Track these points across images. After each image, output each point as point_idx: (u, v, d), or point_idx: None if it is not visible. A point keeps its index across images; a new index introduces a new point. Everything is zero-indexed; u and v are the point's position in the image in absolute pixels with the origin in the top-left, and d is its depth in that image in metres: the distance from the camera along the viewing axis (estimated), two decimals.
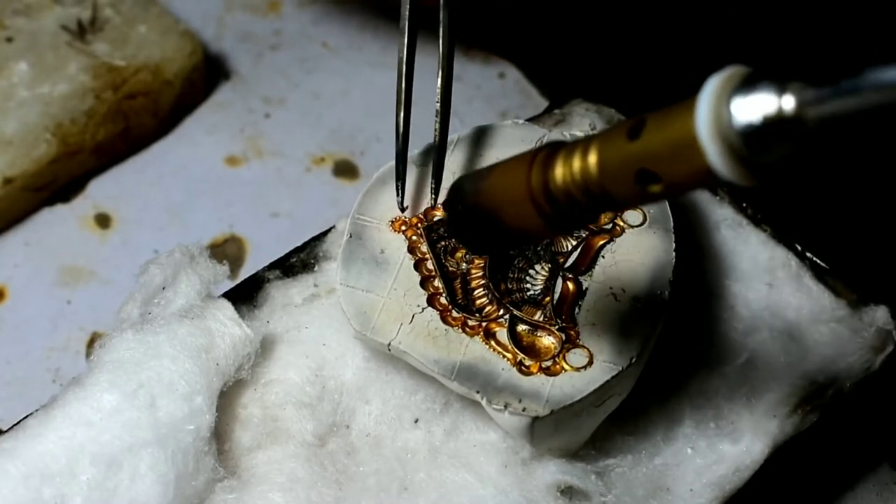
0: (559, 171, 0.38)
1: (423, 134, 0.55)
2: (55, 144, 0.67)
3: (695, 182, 0.35)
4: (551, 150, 0.39)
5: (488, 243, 0.44)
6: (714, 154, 0.33)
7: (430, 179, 0.54)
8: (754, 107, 0.33)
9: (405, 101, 0.53)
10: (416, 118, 0.54)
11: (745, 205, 0.58)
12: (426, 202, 0.53)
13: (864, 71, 0.31)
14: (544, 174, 0.39)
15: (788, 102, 0.32)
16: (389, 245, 0.52)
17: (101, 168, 0.71)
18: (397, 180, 0.53)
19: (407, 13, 0.52)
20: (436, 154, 0.53)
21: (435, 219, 0.53)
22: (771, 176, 0.34)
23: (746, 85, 0.33)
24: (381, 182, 0.54)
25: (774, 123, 0.33)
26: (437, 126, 0.53)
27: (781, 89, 0.33)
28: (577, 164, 0.38)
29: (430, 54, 0.55)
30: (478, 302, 0.51)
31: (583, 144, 0.38)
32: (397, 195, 0.53)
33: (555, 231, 0.41)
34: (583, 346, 0.49)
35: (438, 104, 0.53)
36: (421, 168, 0.54)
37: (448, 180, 0.53)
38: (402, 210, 0.53)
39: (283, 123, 0.74)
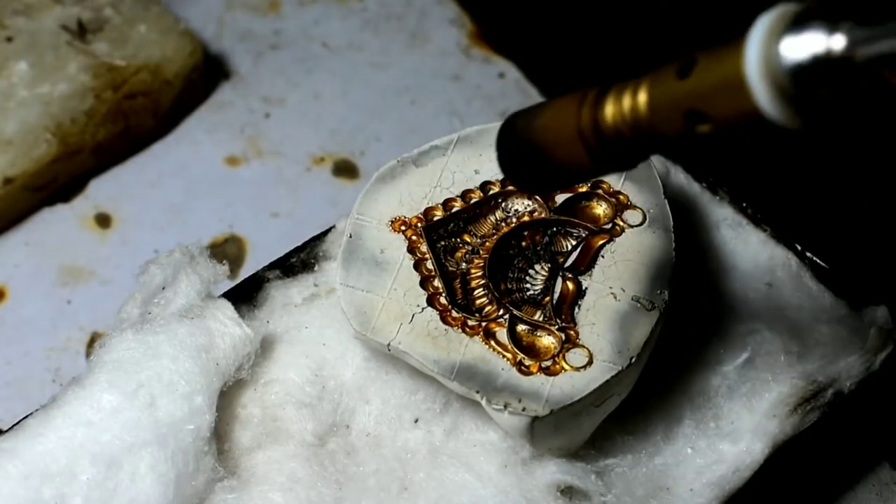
0: (609, 110, 0.38)
1: (424, 134, 0.55)
2: (55, 144, 0.67)
3: (743, 122, 0.35)
4: (602, 89, 0.39)
5: (538, 180, 0.44)
6: (762, 94, 0.33)
7: (427, 180, 0.53)
8: (804, 46, 0.32)
9: None
10: (416, 118, 0.54)
11: (745, 204, 0.58)
12: (426, 202, 0.53)
13: None
14: (594, 112, 0.39)
15: (838, 42, 0.32)
16: (389, 245, 0.52)
17: (101, 168, 0.71)
18: None
19: None
20: None
21: (435, 219, 0.53)
22: (818, 117, 0.34)
23: (796, 24, 0.33)
24: (380, 182, 0.54)
25: (823, 63, 0.32)
26: None
27: (832, 28, 0.32)
28: (627, 102, 0.38)
29: (431, 53, 0.55)
30: (477, 302, 0.51)
31: (633, 83, 0.38)
32: None
33: (602, 170, 0.41)
34: (582, 346, 0.49)
35: None
36: (421, 168, 0.54)
37: (449, 181, 0.54)
38: None
39: (283, 123, 0.74)
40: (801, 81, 0.33)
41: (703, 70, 0.35)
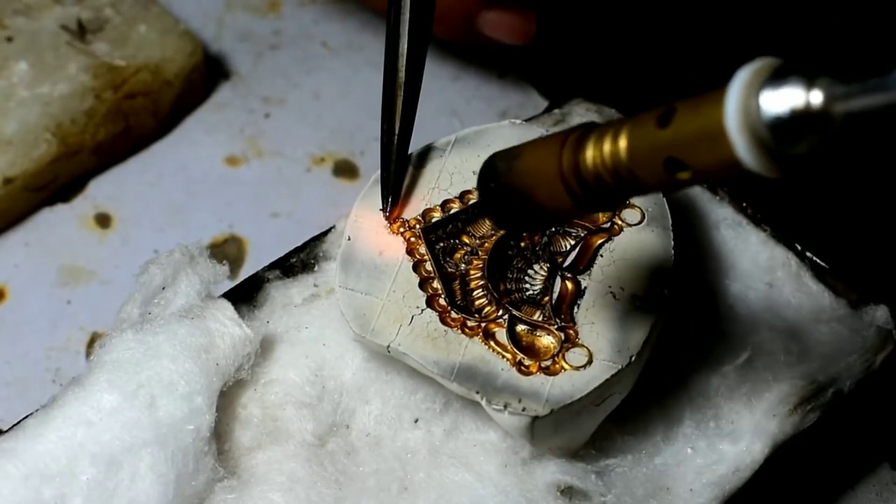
0: (590, 154, 0.39)
1: (423, 134, 0.55)
2: (55, 144, 0.67)
3: (723, 171, 0.35)
4: (583, 132, 0.39)
5: (520, 222, 0.45)
6: (742, 145, 0.34)
7: (425, 182, 0.53)
8: (783, 100, 0.33)
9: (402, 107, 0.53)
10: (416, 118, 0.54)
11: (744, 204, 0.58)
12: (424, 203, 0.53)
13: (893, 69, 0.32)
14: (575, 155, 0.39)
15: (816, 97, 0.33)
16: (388, 247, 0.52)
17: (101, 168, 0.71)
18: (384, 190, 0.53)
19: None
20: (393, 166, 0.53)
21: (433, 220, 0.53)
22: (797, 168, 0.34)
23: (776, 78, 0.34)
24: (380, 183, 0.54)
25: (802, 117, 0.33)
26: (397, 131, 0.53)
27: (810, 83, 0.33)
28: (607, 147, 0.38)
29: (431, 53, 0.55)
30: (477, 302, 0.51)
31: (614, 128, 0.38)
32: (384, 206, 0.53)
33: (585, 211, 0.41)
34: (582, 346, 0.49)
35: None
36: (419, 169, 0.54)
37: (447, 182, 0.54)
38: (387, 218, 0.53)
39: (283, 123, 0.74)
40: (779, 134, 0.33)
41: (682, 120, 0.36)
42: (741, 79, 0.34)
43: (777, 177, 0.34)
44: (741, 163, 0.34)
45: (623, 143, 0.38)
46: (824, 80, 0.33)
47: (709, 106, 0.35)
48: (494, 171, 0.43)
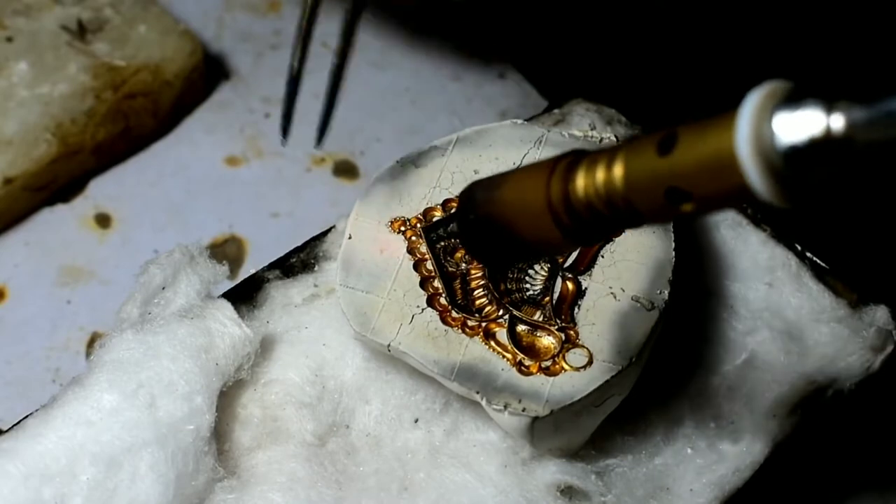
0: (581, 183, 0.36)
1: (424, 134, 0.55)
2: (55, 144, 0.67)
3: (729, 201, 0.34)
4: (573, 160, 0.37)
5: (502, 255, 0.42)
6: (754, 174, 0.32)
7: (426, 181, 0.53)
8: (800, 126, 0.31)
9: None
10: (416, 118, 0.54)
11: (744, 204, 0.58)
12: (425, 202, 0.53)
13: None
14: (565, 185, 0.37)
15: (837, 122, 0.30)
16: (389, 246, 0.52)
17: (101, 168, 0.71)
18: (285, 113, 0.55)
19: None
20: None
21: (434, 219, 0.53)
22: (812, 197, 0.32)
23: (790, 102, 0.31)
24: (380, 182, 0.54)
25: (821, 144, 0.31)
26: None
27: (829, 108, 0.30)
28: (601, 175, 0.36)
29: (431, 53, 0.55)
30: (477, 302, 0.51)
31: (608, 155, 0.36)
32: (282, 132, 0.54)
33: (575, 244, 0.39)
34: (582, 346, 0.49)
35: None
36: (420, 169, 0.54)
37: (448, 181, 0.54)
38: (284, 142, 0.54)
39: None
40: (795, 162, 0.31)
41: (686, 147, 0.33)
42: (753, 102, 0.32)
43: (787, 206, 0.32)
44: (752, 192, 0.32)
45: (619, 171, 0.35)
46: (844, 104, 0.30)
47: (717, 132, 0.32)
48: (473, 200, 0.41)
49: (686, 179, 0.33)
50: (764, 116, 0.31)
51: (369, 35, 0.78)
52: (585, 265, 0.51)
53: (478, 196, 0.41)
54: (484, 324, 0.50)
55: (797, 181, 0.32)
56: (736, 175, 0.32)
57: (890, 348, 0.54)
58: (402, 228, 0.52)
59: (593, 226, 0.37)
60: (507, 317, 0.50)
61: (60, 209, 0.69)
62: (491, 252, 0.42)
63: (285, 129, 0.56)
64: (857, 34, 0.63)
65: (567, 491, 0.50)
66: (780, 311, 0.55)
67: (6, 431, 0.49)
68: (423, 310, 0.50)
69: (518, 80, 0.76)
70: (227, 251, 0.68)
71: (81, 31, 0.70)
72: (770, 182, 0.32)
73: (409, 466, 0.50)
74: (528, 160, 0.54)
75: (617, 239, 0.52)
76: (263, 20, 0.79)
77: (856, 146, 0.30)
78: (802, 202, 0.32)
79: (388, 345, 0.49)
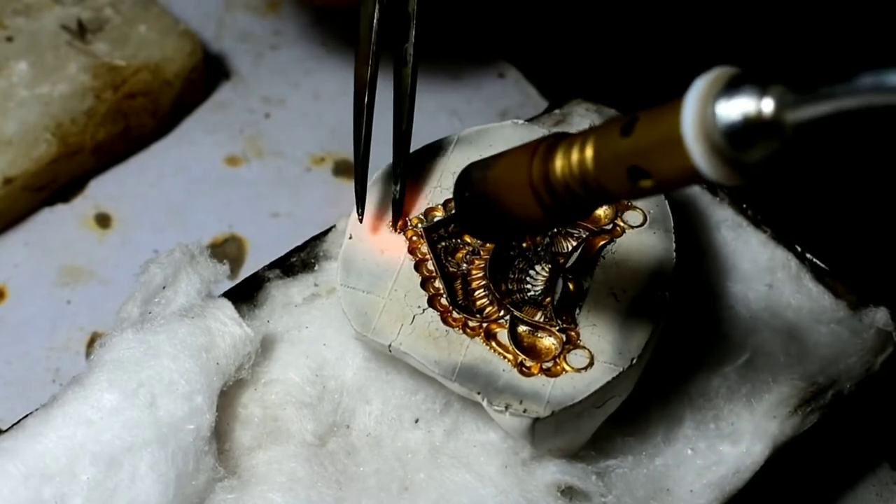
0: (558, 163, 0.39)
1: (424, 134, 0.55)
2: (55, 144, 0.67)
3: (683, 179, 0.36)
4: (552, 142, 0.40)
5: (493, 231, 0.45)
6: (698, 153, 0.34)
7: (427, 181, 0.53)
8: (736, 108, 0.34)
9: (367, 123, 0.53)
10: (416, 118, 0.54)
11: (745, 206, 0.58)
12: (426, 202, 0.53)
13: (852, 77, 0.32)
14: (545, 165, 0.40)
15: (767, 105, 0.33)
16: (390, 246, 0.52)
17: (101, 168, 0.71)
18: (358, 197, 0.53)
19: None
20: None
21: (435, 219, 0.53)
22: (756, 175, 0.35)
23: (731, 87, 0.34)
24: (380, 182, 0.54)
25: (754, 124, 0.34)
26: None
27: (762, 92, 0.34)
28: (574, 156, 0.39)
29: (431, 53, 0.55)
30: (478, 303, 0.51)
31: (581, 138, 0.39)
32: (357, 210, 0.53)
33: (555, 221, 0.42)
34: (583, 347, 0.49)
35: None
36: (422, 169, 0.54)
37: (449, 181, 0.54)
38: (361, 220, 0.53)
39: (283, 123, 0.74)
40: (734, 141, 0.34)
41: (643, 129, 0.36)
42: (698, 88, 0.35)
43: (736, 185, 0.35)
44: (699, 171, 0.35)
45: (589, 152, 0.38)
46: (777, 89, 0.33)
47: (667, 115, 0.35)
48: (469, 179, 0.44)
49: (643, 158, 0.36)
50: (707, 99, 0.34)
51: None
52: (587, 266, 0.51)
53: (473, 174, 0.44)
54: (485, 324, 0.50)
55: (738, 159, 0.34)
56: (684, 154, 0.35)
57: (890, 350, 0.54)
58: (403, 229, 0.52)
59: (570, 204, 0.40)
60: (508, 317, 0.50)
61: (60, 209, 0.69)
62: (484, 228, 0.45)
63: (360, 209, 0.52)
64: (858, 34, 0.64)
65: (567, 491, 0.50)
66: (781, 312, 0.55)
67: (6, 431, 0.49)
68: (424, 310, 0.50)
69: (518, 80, 0.76)
70: (227, 251, 0.68)
71: (81, 31, 0.70)
72: (713, 160, 0.34)
73: (409, 466, 0.50)
74: None
75: (618, 240, 0.52)
76: (263, 20, 0.79)
77: (785, 126, 0.33)
78: (747, 180, 0.35)
79: (389, 345, 0.49)
